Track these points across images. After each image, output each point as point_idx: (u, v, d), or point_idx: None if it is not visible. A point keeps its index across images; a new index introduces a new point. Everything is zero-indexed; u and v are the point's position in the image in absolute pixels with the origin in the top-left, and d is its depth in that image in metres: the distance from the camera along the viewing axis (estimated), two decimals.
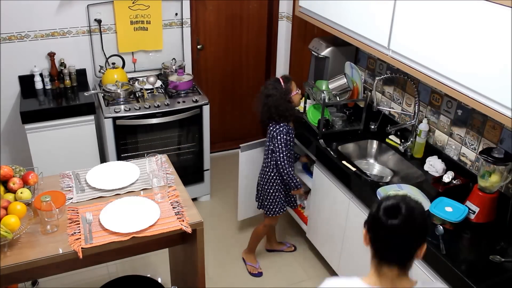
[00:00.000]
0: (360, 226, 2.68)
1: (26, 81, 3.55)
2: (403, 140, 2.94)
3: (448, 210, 2.29)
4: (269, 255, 3.46)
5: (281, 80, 2.88)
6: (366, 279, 1.53)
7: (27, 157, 3.44)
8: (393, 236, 1.39)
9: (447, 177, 2.54)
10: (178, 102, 3.52)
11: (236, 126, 4.68)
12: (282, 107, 2.85)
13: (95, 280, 3.12)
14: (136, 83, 3.65)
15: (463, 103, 2.54)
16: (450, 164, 2.67)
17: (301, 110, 3.34)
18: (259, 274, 3.28)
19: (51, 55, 3.52)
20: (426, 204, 2.42)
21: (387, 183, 2.62)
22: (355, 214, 2.73)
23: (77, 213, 2.18)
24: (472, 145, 2.57)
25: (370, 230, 1.46)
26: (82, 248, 1.98)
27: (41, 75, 3.55)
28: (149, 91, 3.60)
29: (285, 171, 2.92)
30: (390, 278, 1.45)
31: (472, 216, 2.29)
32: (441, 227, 2.20)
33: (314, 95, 3.16)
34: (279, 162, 2.91)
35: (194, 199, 3.83)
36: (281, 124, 2.89)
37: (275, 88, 2.86)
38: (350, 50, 3.36)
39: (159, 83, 3.70)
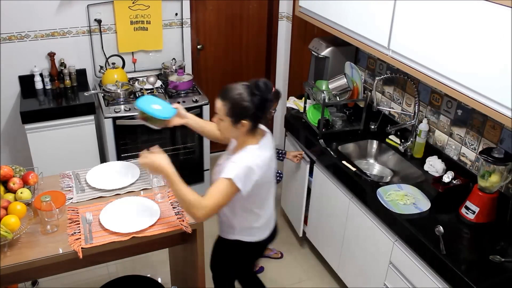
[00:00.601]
0: (360, 226, 2.70)
1: (26, 81, 3.55)
2: (403, 140, 2.94)
3: (156, 107, 2.27)
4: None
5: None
6: (254, 142, 2.08)
7: (27, 157, 3.44)
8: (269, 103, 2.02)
9: (447, 177, 2.54)
10: (178, 102, 3.52)
11: None
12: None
13: (95, 280, 3.12)
14: (136, 83, 3.65)
15: (463, 103, 2.54)
16: (450, 164, 2.67)
17: (301, 110, 3.34)
18: (262, 269, 3.28)
19: (51, 55, 3.52)
20: (426, 204, 2.42)
21: (387, 183, 2.62)
22: (355, 214, 2.73)
23: (77, 213, 2.18)
24: (472, 145, 2.57)
25: (257, 109, 1.99)
26: (82, 248, 1.98)
27: (41, 75, 3.55)
28: (149, 91, 3.60)
29: None
30: (261, 134, 2.12)
31: (472, 216, 2.29)
32: (441, 227, 2.20)
33: (314, 95, 3.16)
34: None
35: None
36: None
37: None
38: (350, 50, 3.36)
39: (159, 83, 3.70)
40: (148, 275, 2.55)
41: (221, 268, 2.45)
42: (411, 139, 2.87)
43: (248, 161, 2.00)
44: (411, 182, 2.63)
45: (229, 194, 1.98)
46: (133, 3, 3.62)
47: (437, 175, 2.64)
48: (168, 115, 2.30)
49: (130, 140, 3.49)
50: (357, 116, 3.22)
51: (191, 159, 3.77)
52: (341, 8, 2.90)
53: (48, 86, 3.58)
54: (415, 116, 2.85)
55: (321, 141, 3.00)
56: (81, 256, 1.96)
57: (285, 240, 3.57)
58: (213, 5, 4.03)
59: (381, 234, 2.52)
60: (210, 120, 2.28)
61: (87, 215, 2.14)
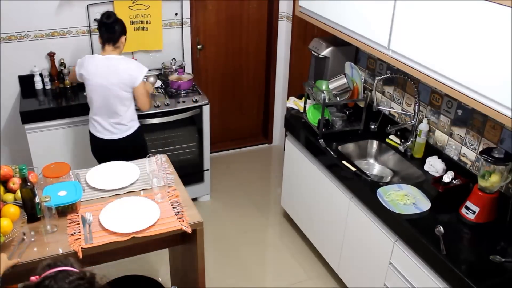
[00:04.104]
0: (360, 226, 2.69)
1: (26, 81, 3.55)
2: (403, 140, 2.94)
3: (62, 194, 2.18)
4: (268, 255, 3.46)
5: None
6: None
7: (27, 157, 3.44)
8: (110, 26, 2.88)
9: (447, 177, 2.54)
10: (178, 102, 3.52)
11: (236, 126, 4.68)
12: None
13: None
14: None
15: (463, 103, 2.54)
16: (450, 164, 2.67)
17: (301, 110, 3.34)
18: None
19: (51, 55, 3.52)
20: (426, 204, 2.42)
21: (387, 183, 2.62)
22: (355, 214, 2.73)
23: (77, 213, 2.18)
24: (472, 145, 2.57)
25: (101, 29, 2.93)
26: (82, 248, 1.98)
27: (41, 75, 3.55)
28: None
29: None
30: (109, 50, 2.92)
31: (472, 216, 2.29)
32: (441, 227, 2.20)
33: (314, 95, 3.16)
34: None
35: (194, 199, 3.83)
36: None
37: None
38: (350, 50, 3.36)
39: (159, 83, 3.70)
40: (148, 275, 2.55)
41: None
42: (411, 139, 2.87)
43: None
44: (411, 182, 2.63)
45: None
46: (133, 3, 3.62)
47: (437, 175, 2.64)
48: (77, 196, 2.19)
49: None
50: (357, 116, 3.22)
51: (191, 159, 3.77)
52: (341, 8, 2.90)
53: (48, 86, 3.58)
54: (415, 116, 2.84)
55: (321, 141, 3.00)
56: (81, 256, 1.96)
57: (286, 240, 3.57)
58: (213, 5, 4.03)
59: (381, 234, 2.52)
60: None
61: (87, 215, 2.14)
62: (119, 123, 3.00)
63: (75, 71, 3.04)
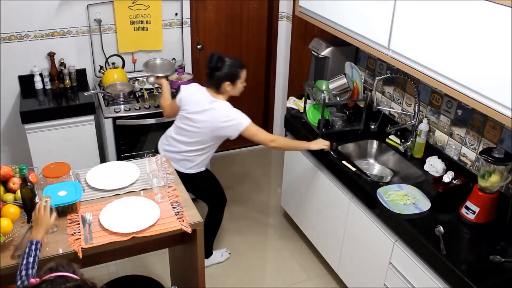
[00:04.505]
0: (360, 226, 2.69)
1: (26, 81, 3.55)
2: (403, 140, 2.94)
3: (62, 194, 2.17)
4: (268, 255, 3.46)
5: None
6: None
7: (27, 157, 3.44)
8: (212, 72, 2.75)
9: (447, 177, 2.54)
10: None
11: None
12: None
13: (95, 280, 3.11)
14: (136, 83, 3.65)
15: (463, 103, 2.54)
16: (450, 164, 2.67)
17: (301, 110, 3.34)
18: None
19: (51, 55, 3.52)
20: (426, 204, 2.42)
21: (387, 183, 2.62)
22: (355, 214, 2.73)
23: (77, 213, 2.18)
24: (472, 145, 2.57)
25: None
26: (82, 248, 1.98)
27: (41, 75, 3.55)
28: (149, 91, 3.60)
29: None
30: (213, 91, 2.81)
31: (472, 216, 2.29)
32: (441, 227, 2.20)
33: (314, 95, 3.16)
34: None
35: (194, 199, 3.82)
36: None
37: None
38: (350, 50, 3.36)
39: None
40: (148, 275, 2.55)
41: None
42: (411, 139, 2.87)
43: None
44: (411, 182, 2.63)
45: None
46: (133, 3, 3.62)
47: (437, 175, 2.64)
48: (77, 196, 2.18)
49: (130, 140, 3.49)
50: (357, 116, 3.22)
51: None
52: (341, 8, 2.90)
53: (48, 86, 3.58)
54: (415, 116, 2.84)
55: None
56: (81, 256, 1.96)
57: (286, 240, 3.57)
58: (213, 5, 4.03)
59: (381, 234, 2.52)
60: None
61: (87, 215, 2.14)
62: (182, 160, 2.86)
63: (176, 101, 2.89)
